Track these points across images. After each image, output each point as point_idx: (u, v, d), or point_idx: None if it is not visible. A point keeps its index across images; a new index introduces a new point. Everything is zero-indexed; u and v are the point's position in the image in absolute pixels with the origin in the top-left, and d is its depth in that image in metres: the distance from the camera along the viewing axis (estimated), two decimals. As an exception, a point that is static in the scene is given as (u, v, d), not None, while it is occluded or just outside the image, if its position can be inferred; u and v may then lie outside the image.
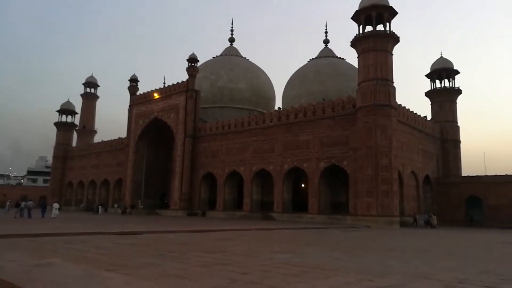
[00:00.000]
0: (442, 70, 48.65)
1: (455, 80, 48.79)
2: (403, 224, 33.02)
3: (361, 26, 35.34)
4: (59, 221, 25.70)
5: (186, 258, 8.95)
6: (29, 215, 30.41)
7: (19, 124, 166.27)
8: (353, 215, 33.34)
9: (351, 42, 35.49)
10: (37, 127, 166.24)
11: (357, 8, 35.26)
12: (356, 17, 35.48)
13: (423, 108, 74.48)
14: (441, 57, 49.96)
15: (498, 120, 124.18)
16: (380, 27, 34.82)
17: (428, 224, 35.14)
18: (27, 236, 13.60)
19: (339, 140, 35.90)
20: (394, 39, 34.36)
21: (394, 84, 34.06)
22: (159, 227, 21.87)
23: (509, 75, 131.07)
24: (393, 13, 34.58)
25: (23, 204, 31.73)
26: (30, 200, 34.43)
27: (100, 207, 50.19)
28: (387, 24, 34.76)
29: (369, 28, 35.34)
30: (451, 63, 49.18)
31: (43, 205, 34.61)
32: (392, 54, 34.71)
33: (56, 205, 32.36)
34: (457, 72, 48.79)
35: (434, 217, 35.17)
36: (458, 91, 48.35)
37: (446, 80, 48.92)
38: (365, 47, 34.23)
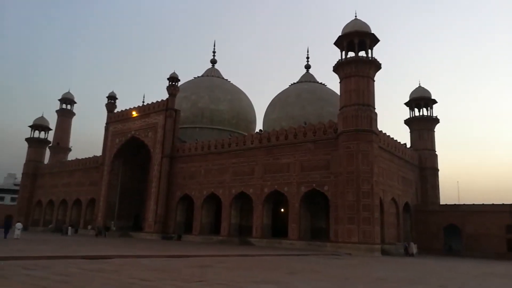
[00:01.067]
0: (421, 99, 49.45)
1: (433, 109, 49.62)
2: (383, 252, 32.40)
3: (343, 52, 35.59)
4: (22, 243, 23.91)
5: (161, 289, 7.93)
6: (-9, 235, 28.40)
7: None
8: (334, 241, 32.56)
9: (333, 67, 35.59)
10: (8, 143, 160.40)
11: (339, 34, 35.54)
12: (338, 43, 35.73)
13: (401, 135, 75.67)
14: (420, 86, 50.87)
15: (471, 149, 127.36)
16: (362, 53, 35.17)
17: (407, 252, 34.70)
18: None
19: (320, 165, 35.45)
20: (376, 65, 34.64)
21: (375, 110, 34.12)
22: (132, 251, 20.52)
23: (484, 106, 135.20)
24: (375, 40, 35.01)
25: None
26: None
27: (70, 228, 47.76)
28: (369, 50, 35.12)
29: (351, 54, 35.66)
30: (429, 92, 50.10)
31: (7, 225, 32.44)
32: (374, 80, 34.93)
33: (19, 225, 30.31)
34: (434, 102, 49.67)
35: (415, 245, 34.79)
36: (436, 120, 49.07)
37: (424, 109, 49.69)
38: (347, 72, 34.35)
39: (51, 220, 61.82)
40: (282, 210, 42.58)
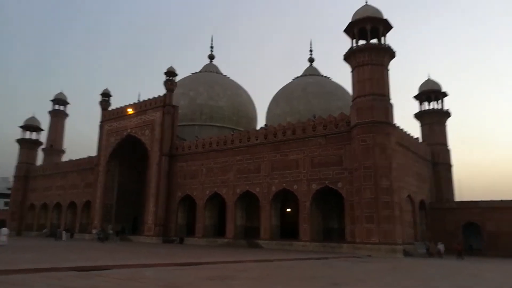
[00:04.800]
0: (431, 92, 47.13)
1: (443, 102, 47.32)
2: (404, 253, 29.87)
3: (353, 40, 33.13)
4: (5, 251, 21.09)
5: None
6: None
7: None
8: (350, 242, 30.04)
9: (344, 55, 33.09)
10: (1, 146, 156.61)
11: (346, 23, 33.05)
12: (349, 30, 33.24)
13: (409, 130, 73.05)
14: (429, 79, 48.54)
15: (483, 145, 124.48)
16: (373, 41, 32.68)
17: (429, 252, 32.27)
18: None
19: (332, 160, 32.92)
20: (390, 53, 32.21)
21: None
22: (132, 258, 17.83)
23: (497, 102, 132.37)
24: (387, 26, 32.57)
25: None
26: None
27: (64, 232, 44.82)
28: (382, 38, 32.68)
29: (361, 42, 33.19)
30: (439, 85, 47.78)
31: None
32: (388, 69, 32.48)
33: (4, 230, 27.37)
34: (445, 95, 47.37)
35: (442, 245, 32.39)
36: (447, 114, 46.76)
37: (435, 103, 47.40)
38: (360, 61, 31.85)
39: (45, 224, 58.87)
40: (289, 209, 40.08)
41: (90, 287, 8.61)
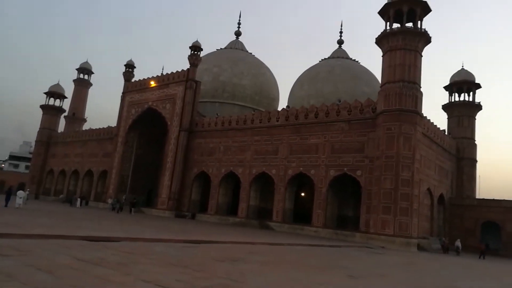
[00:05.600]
0: (463, 82, 45.16)
1: (476, 94, 45.36)
2: (418, 247, 29.09)
3: (388, 23, 31.66)
4: (20, 214, 21.25)
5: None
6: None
7: (23, 108, 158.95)
8: (364, 232, 29.37)
9: (376, 38, 31.72)
10: (25, 112, 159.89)
11: (378, 5, 31.60)
12: (384, 12, 31.72)
13: (435, 121, 70.87)
14: (462, 69, 46.51)
15: (507, 143, 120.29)
16: (408, 25, 31.16)
17: (445, 249, 31.39)
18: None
19: (354, 147, 31.99)
20: (426, 38, 30.65)
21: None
22: (143, 231, 17.66)
23: None
24: (426, 9, 30.91)
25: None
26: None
27: (79, 199, 45.42)
28: (419, 21, 31.08)
29: (396, 26, 31.69)
30: (473, 76, 45.74)
31: (8, 193, 29.92)
32: (422, 56, 31.03)
33: (21, 193, 27.66)
34: (478, 86, 45.34)
35: (459, 242, 31.44)
36: (478, 107, 44.83)
37: (465, 94, 45.52)
38: (393, 45, 30.46)
39: (62, 190, 60.03)
40: (303, 194, 39.58)
41: (98, 259, 8.28)
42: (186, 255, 10.98)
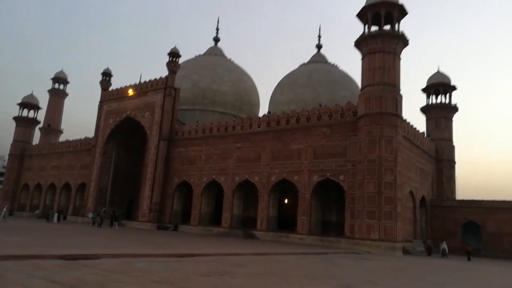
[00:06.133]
0: (440, 85, 45.97)
1: (451, 96, 46.19)
2: (403, 251, 29.08)
3: (366, 26, 31.89)
4: (-6, 232, 20.17)
5: None
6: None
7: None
8: (349, 238, 29.21)
9: (355, 41, 31.89)
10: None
11: (356, 8, 31.82)
12: (362, 15, 31.93)
13: (414, 124, 72.01)
14: (438, 71, 47.34)
15: (484, 143, 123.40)
16: (386, 28, 31.44)
17: (429, 251, 31.52)
18: None
19: (336, 151, 31.92)
20: (403, 41, 30.98)
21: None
22: (124, 246, 16.94)
23: (504, 99, 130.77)
24: (403, 12, 31.26)
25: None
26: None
27: (56, 214, 43.81)
28: (396, 24, 31.41)
29: (374, 28, 31.96)
30: (448, 78, 46.62)
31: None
32: (400, 58, 31.33)
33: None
34: (454, 88, 46.23)
35: (445, 244, 31.57)
36: (455, 108, 45.68)
37: (442, 96, 46.30)
38: (372, 47, 30.65)
39: (38, 205, 57.97)
40: (286, 201, 39.27)
41: (75, 280, 7.68)
42: (170, 270, 10.43)
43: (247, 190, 37.55)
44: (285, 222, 36.05)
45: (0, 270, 8.21)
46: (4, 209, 36.89)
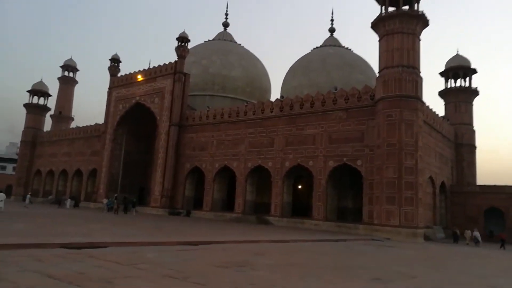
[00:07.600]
0: (459, 68, 44.14)
1: (472, 80, 44.35)
2: (424, 237, 27.94)
3: (383, 7, 30.31)
4: None
5: None
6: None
7: (14, 107, 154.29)
8: (368, 224, 28.14)
9: (372, 22, 30.33)
10: (9, 111, 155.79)
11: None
12: (379, -5, 30.35)
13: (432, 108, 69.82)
14: (457, 54, 45.45)
15: (507, 128, 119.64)
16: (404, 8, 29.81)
17: (455, 238, 30.29)
18: None
19: (352, 136, 30.67)
20: (423, 21, 29.34)
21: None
22: (133, 233, 16.11)
23: None
24: (423, -10, 29.56)
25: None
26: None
27: (69, 200, 43.52)
28: (415, 4, 29.76)
29: (391, 10, 30.34)
30: (468, 61, 44.74)
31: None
32: (420, 39, 29.73)
33: (2, 196, 25.86)
34: (474, 71, 44.36)
35: (477, 232, 30.26)
36: (475, 92, 43.87)
37: (462, 80, 44.50)
38: (390, 28, 29.09)
39: (51, 191, 58.04)
40: (300, 186, 38.27)
41: (75, 275, 6.77)
42: (183, 261, 9.51)
43: (260, 175, 36.62)
44: (300, 208, 35.15)
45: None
46: (28, 196, 42.05)
